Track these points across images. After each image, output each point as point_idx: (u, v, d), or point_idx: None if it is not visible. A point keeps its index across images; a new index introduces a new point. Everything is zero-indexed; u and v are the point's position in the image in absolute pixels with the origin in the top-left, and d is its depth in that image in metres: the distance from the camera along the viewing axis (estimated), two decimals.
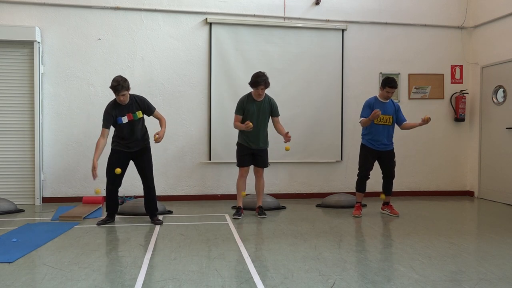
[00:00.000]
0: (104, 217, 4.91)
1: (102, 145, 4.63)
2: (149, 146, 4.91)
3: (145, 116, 4.86)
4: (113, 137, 4.82)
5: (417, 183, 7.11)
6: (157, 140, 4.61)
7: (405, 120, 5.34)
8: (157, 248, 3.81)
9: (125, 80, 4.57)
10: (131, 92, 4.73)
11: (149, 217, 4.98)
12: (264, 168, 5.31)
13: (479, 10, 6.98)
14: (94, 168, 4.53)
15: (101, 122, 4.71)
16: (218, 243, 3.97)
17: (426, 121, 4.99)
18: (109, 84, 6.03)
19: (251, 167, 5.33)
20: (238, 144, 5.27)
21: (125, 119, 4.66)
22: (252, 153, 5.20)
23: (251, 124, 4.93)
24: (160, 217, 5.11)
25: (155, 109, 4.88)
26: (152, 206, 4.93)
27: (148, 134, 4.91)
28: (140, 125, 4.77)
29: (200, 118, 6.47)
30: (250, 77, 5.07)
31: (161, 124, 4.85)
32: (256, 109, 5.12)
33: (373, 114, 4.92)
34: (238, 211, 5.23)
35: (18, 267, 3.24)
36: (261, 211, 5.24)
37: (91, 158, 6.10)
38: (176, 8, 6.37)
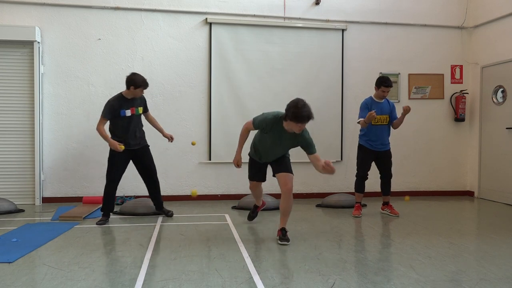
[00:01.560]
0: (101, 217, 4.89)
1: (104, 130, 4.74)
2: (148, 145, 5.08)
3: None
4: (110, 136, 4.79)
5: (417, 183, 7.11)
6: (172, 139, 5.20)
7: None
8: (157, 248, 3.81)
9: None
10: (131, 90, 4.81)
11: (159, 210, 5.17)
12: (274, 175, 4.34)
13: (479, 10, 6.98)
14: (115, 145, 4.64)
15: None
16: (218, 243, 3.97)
17: (406, 110, 5.03)
18: (110, 84, 6.13)
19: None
20: (249, 155, 4.51)
21: (128, 112, 4.79)
22: (265, 165, 4.46)
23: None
24: (160, 217, 5.11)
25: (148, 110, 5.16)
26: (160, 198, 5.18)
27: (144, 133, 5.07)
28: (137, 121, 4.92)
29: (200, 118, 6.47)
30: (289, 106, 3.72)
31: (157, 125, 5.20)
32: (277, 139, 4.02)
33: (369, 116, 4.91)
34: (254, 210, 4.85)
35: (18, 267, 3.24)
36: (283, 234, 4.05)
37: (91, 158, 6.17)
38: (176, 8, 6.36)
